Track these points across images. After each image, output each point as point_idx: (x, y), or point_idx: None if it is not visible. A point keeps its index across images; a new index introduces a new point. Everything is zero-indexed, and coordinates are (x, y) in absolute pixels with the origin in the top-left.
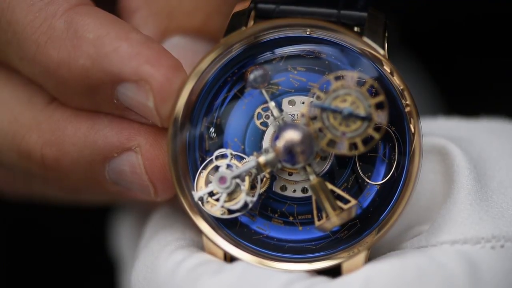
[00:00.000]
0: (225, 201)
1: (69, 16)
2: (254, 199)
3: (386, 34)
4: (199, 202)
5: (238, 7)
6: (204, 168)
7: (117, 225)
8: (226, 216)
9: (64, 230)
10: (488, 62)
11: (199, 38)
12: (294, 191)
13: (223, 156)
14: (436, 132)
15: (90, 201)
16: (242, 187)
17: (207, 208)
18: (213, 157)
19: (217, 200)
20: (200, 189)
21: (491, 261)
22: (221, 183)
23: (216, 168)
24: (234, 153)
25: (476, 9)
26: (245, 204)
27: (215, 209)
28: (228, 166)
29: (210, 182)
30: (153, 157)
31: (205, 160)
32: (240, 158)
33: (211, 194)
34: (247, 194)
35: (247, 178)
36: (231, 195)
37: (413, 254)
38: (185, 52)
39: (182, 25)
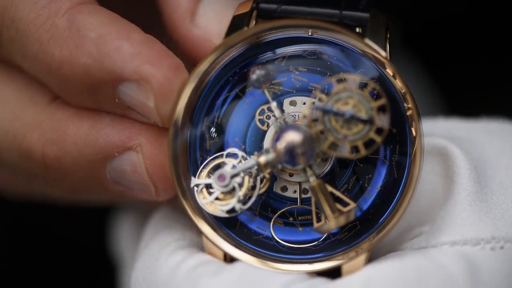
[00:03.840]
0: (217, 198)
1: (72, 15)
2: (245, 207)
3: (388, 35)
4: (194, 189)
5: (239, 10)
6: (212, 160)
7: (117, 225)
8: (220, 215)
9: (64, 230)
10: (488, 62)
11: None
12: (295, 191)
13: (234, 156)
14: (437, 132)
15: (91, 201)
16: (238, 192)
17: (199, 197)
18: (225, 153)
19: (211, 194)
20: (201, 178)
21: (490, 262)
22: (220, 180)
23: (222, 164)
24: (245, 156)
25: (477, 9)
26: (233, 209)
27: (205, 201)
28: (234, 167)
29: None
30: (154, 156)
31: (206, 159)
32: None
33: (208, 186)
34: (239, 200)
35: (246, 181)
36: (225, 195)
37: (413, 255)
38: (226, 6)
39: None
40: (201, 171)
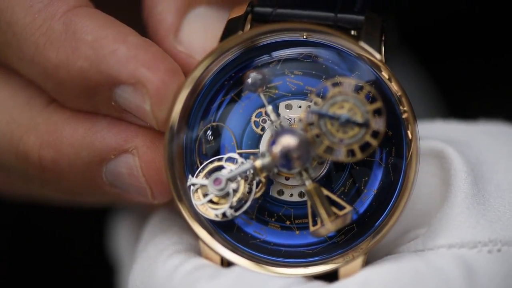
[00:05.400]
0: (210, 201)
1: (68, 18)
2: (237, 214)
3: (383, 38)
4: (190, 188)
5: (234, 14)
6: (211, 163)
7: (115, 228)
8: (211, 217)
9: (64, 231)
10: (487, 63)
11: (224, 7)
12: (291, 195)
13: (233, 160)
14: (434, 135)
15: (89, 203)
16: (232, 198)
17: (194, 197)
18: (225, 156)
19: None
20: (198, 179)
21: (488, 265)
22: (216, 184)
23: (220, 168)
24: (244, 162)
25: (475, 9)
26: (224, 214)
27: (199, 203)
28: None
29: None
30: (150, 159)
31: (202, 163)
32: None
33: (204, 188)
34: (231, 207)
35: (241, 187)
36: (220, 198)
37: (410, 258)
38: (211, 22)
39: None
40: (198, 173)
